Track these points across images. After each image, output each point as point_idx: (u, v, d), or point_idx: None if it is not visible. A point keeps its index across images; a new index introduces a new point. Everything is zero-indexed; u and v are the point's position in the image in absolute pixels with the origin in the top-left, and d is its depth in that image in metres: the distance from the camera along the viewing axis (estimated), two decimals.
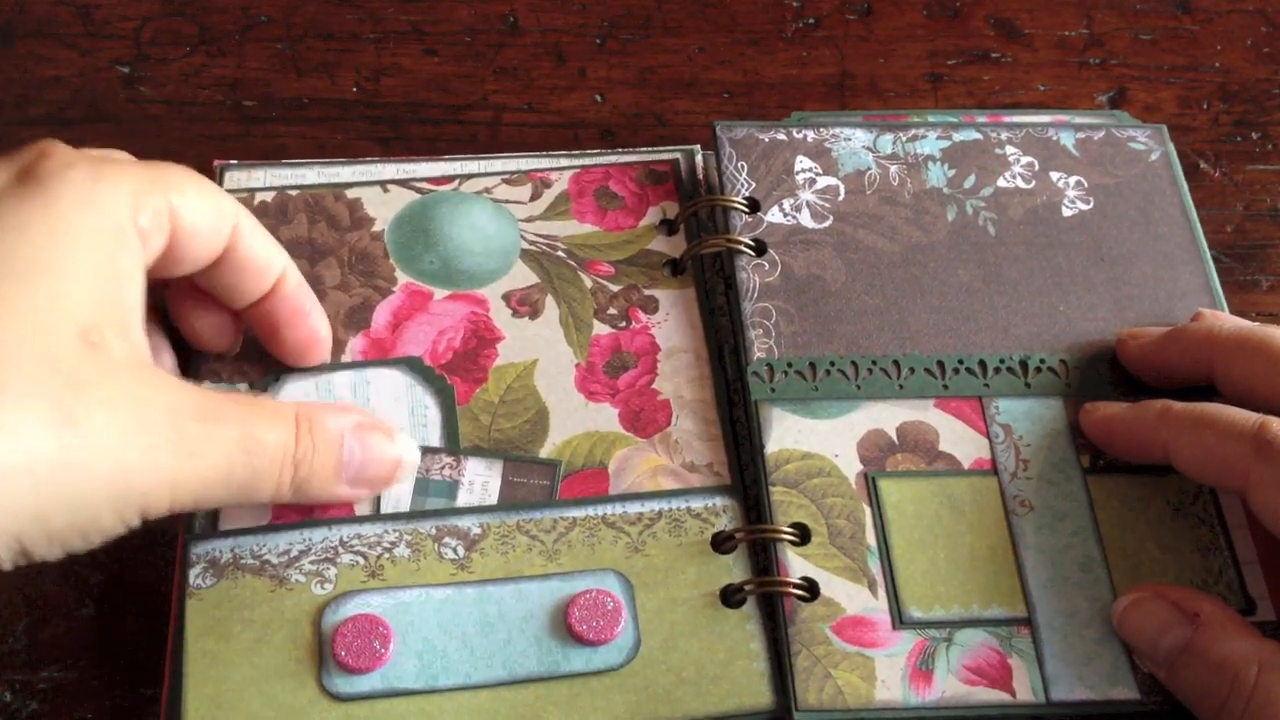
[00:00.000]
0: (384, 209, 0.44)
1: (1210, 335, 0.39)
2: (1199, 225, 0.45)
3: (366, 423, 0.37)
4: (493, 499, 0.39)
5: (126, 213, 0.33)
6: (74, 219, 0.31)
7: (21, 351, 0.29)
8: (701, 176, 0.46)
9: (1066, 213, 0.44)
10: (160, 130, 0.48)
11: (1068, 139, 0.46)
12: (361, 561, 0.38)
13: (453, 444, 0.40)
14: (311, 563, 0.37)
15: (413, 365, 0.41)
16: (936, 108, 0.51)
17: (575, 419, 0.41)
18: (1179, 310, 0.42)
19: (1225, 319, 0.40)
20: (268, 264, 0.38)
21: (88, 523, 0.30)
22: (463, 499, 0.39)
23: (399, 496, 0.39)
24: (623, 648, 0.37)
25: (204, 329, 0.39)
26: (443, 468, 0.40)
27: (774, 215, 0.44)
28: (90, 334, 0.30)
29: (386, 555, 0.38)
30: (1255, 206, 0.49)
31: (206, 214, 0.35)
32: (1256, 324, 0.39)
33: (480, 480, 0.39)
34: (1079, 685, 0.36)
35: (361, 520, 0.38)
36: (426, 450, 0.40)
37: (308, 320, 0.39)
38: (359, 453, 0.36)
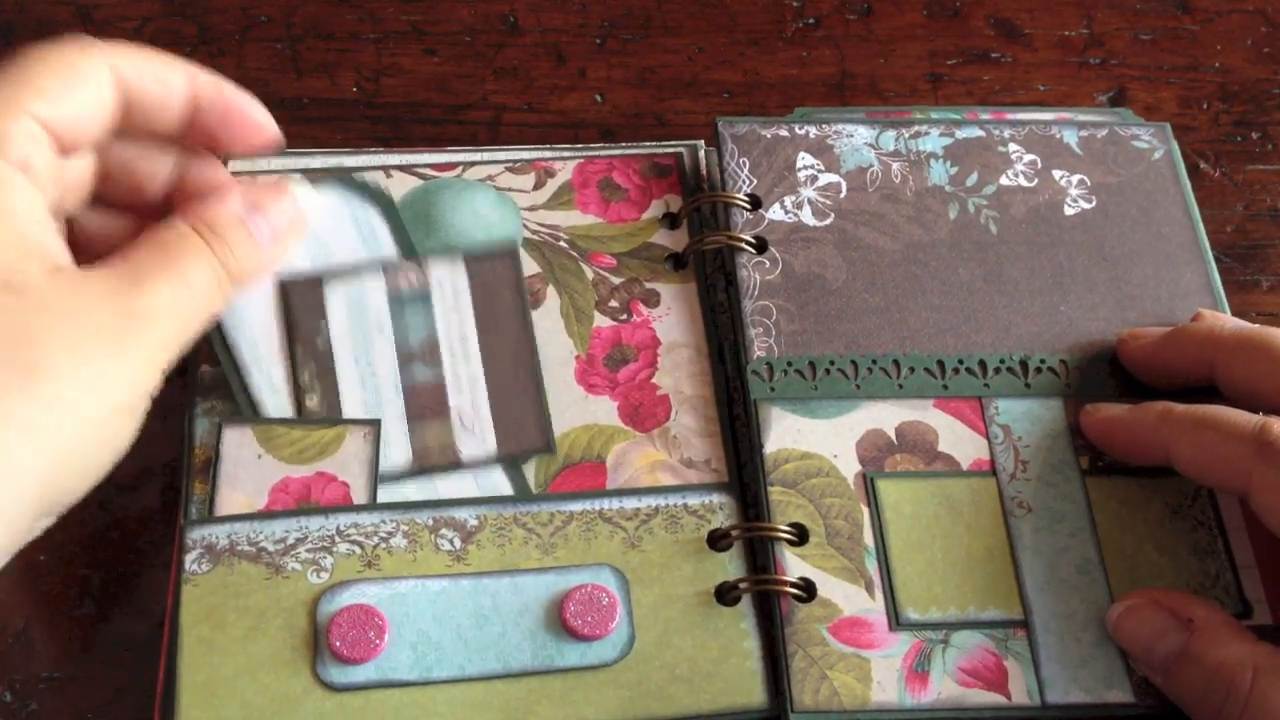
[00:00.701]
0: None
1: (1211, 335, 0.39)
2: (1201, 225, 0.45)
3: (253, 195, 0.37)
4: (466, 302, 0.40)
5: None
6: None
7: None
8: (705, 172, 0.46)
9: (1069, 211, 0.44)
10: None
11: (1071, 137, 0.46)
12: (358, 551, 0.38)
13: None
14: (308, 551, 0.37)
15: (345, 181, 0.43)
16: (937, 108, 0.50)
17: (574, 411, 0.41)
18: (1180, 310, 0.42)
19: (1226, 320, 0.40)
20: (166, 88, 0.35)
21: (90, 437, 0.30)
22: (438, 309, 0.40)
23: (379, 319, 0.40)
24: (617, 643, 0.37)
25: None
26: (409, 278, 0.40)
27: (775, 212, 0.43)
28: (8, 280, 0.30)
29: (383, 545, 0.38)
30: (1255, 206, 0.49)
31: (84, 104, 0.34)
32: (1258, 325, 0.39)
33: (448, 283, 0.40)
34: (1074, 688, 0.36)
35: (359, 509, 0.38)
36: (387, 262, 0.41)
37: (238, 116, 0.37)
38: (264, 224, 0.36)
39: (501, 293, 0.42)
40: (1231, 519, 0.39)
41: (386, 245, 0.40)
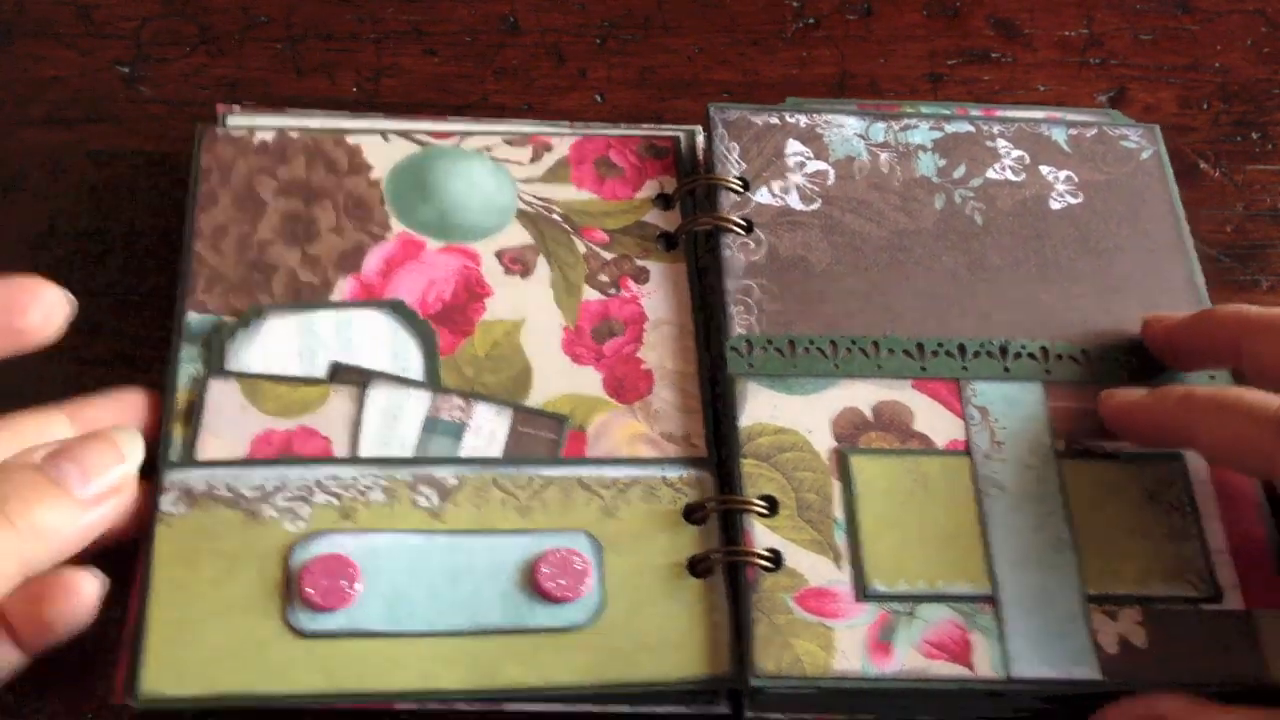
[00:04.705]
0: (383, 158, 0.45)
1: (1240, 315, 0.38)
2: (1186, 224, 0.45)
3: (60, 448, 0.33)
4: (498, 447, 0.39)
5: None
6: None
7: None
8: (701, 157, 0.46)
9: (1055, 205, 0.44)
10: (161, 130, 0.48)
11: (1060, 135, 0.46)
12: (335, 502, 0.38)
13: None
14: (286, 499, 0.37)
15: (397, 309, 0.41)
16: None
17: (559, 380, 0.41)
18: (1163, 304, 0.42)
19: (1252, 306, 0.40)
20: None
21: None
22: (468, 443, 0.39)
23: (405, 435, 0.39)
24: (587, 608, 0.37)
25: None
26: (453, 409, 0.40)
27: (763, 196, 0.44)
28: None
29: (361, 498, 0.38)
30: (1255, 206, 0.49)
31: None
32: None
33: (488, 427, 0.40)
34: (1040, 663, 0.36)
35: (340, 462, 0.38)
36: (438, 391, 0.40)
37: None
38: (72, 469, 0.33)
39: (537, 450, 0.40)
40: (1206, 505, 0.39)
41: (413, 375, 0.40)
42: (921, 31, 0.53)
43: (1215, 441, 0.36)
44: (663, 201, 0.45)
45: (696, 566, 0.38)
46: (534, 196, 0.44)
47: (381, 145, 0.45)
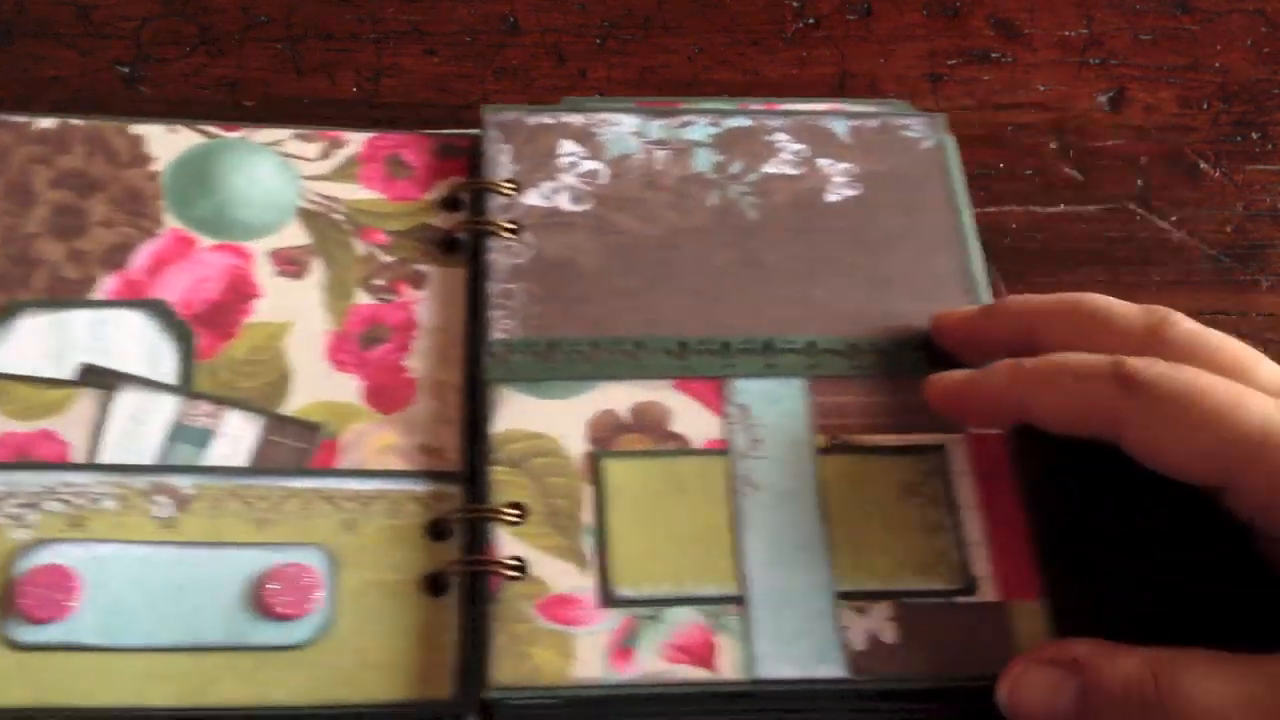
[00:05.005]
0: (167, 150, 0.43)
1: (1030, 304, 0.38)
2: (968, 212, 0.44)
3: None
4: (244, 456, 0.38)
5: None
6: None
7: None
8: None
9: (831, 199, 0.44)
10: None
11: (840, 127, 0.46)
12: (65, 509, 0.37)
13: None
14: (15, 506, 0.37)
15: (156, 309, 0.40)
16: (937, 108, 0.51)
17: (317, 387, 0.39)
18: (935, 294, 0.42)
19: (1039, 295, 0.40)
20: None
21: None
22: (214, 451, 0.38)
23: (148, 441, 0.38)
24: (313, 625, 0.36)
25: None
26: (202, 415, 0.39)
27: (532, 198, 0.43)
28: None
29: (92, 506, 0.37)
30: (1255, 206, 0.49)
31: None
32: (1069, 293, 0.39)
33: (237, 435, 0.39)
34: (785, 663, 0.35)
35: (75, 468, 0.37)
36: (189, 396, 0.39)
37: None
38: None
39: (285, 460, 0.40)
40: (965, 496, 0.38)
41: (167, 378, 0.39)
42: (921, 31, 0.53)
43: (1054, 408, 0.36)
44: (451, 204, 0.44)
45: (434, 582, 0.37)
46: (318, 195, 0.43)
47: (167, 137, 0.43)
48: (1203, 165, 0.50)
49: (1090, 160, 0.50)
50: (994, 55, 0.53)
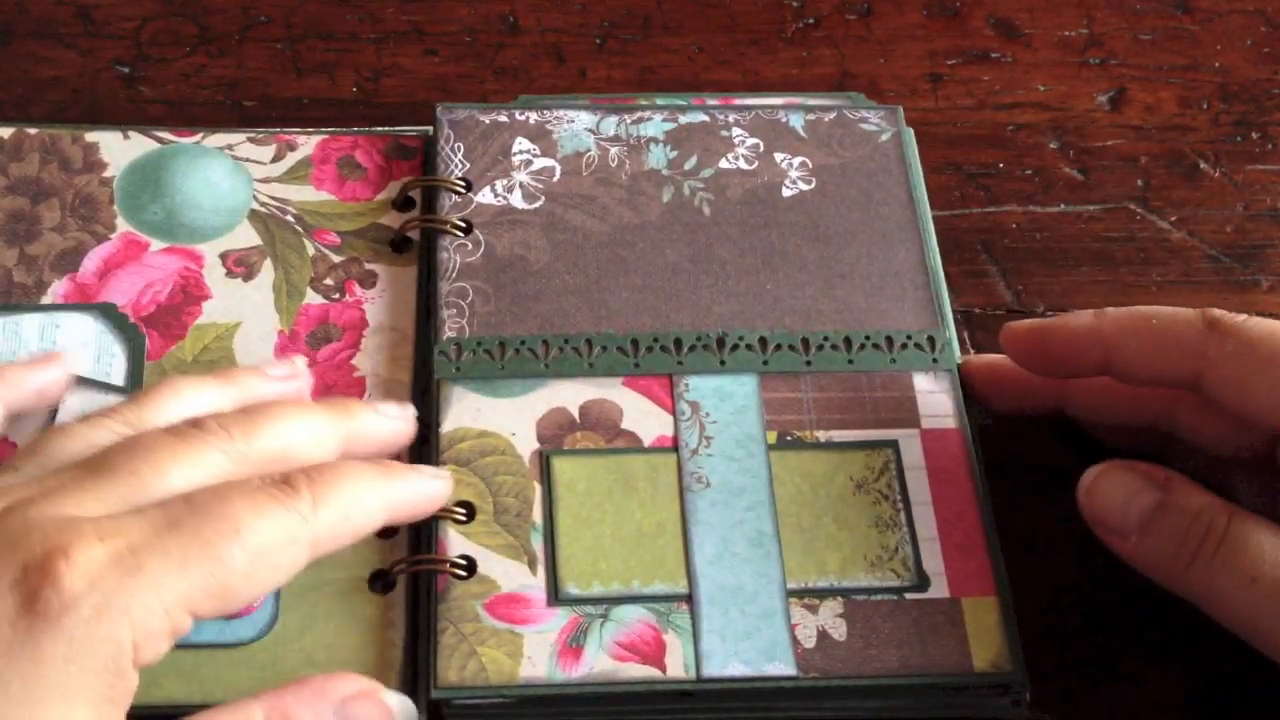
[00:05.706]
0: (120, 156, 0.44)
1: (1097, 318, 0.38)
2: (926, 205, 0.44)
3: (352, 692, 0.32)
4: None
5: (127, 655, 0.29)
6: (59, 679, 0.28)
7: None
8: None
9: (786, 193, 0.44)
10: None
11: (797, 121, 0.46)
12: None
13: None
14: None
15: (106, 312, 0.41)
16: (936, 107, 0.51)
17: None
18: (890, 287, 0.42)
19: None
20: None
21: None
22: None
23: None
24: (257, 623, 0.36)
25: None
26: None
27: (484, 196, 0.43)
28: None
29: None
30: (1255, 206, 0.49)
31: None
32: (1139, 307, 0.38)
33: None
34: (733, 660, 0.35)
35: None
36: (113, 391, 0.39)
37: None
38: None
39: None
40: (917, 493, 0.38)
41: (117, 380, 0.40)
42: (921, 31, 0.53)
43: (1139, 349, 0.36)
44: (403, 204, 0.44)
45: (378, 580, 0.37)
46: (270, 197, 0.44)
47: (121, 143, 0.44)
48: (1203, 165, 0.50)
49: (1090, 160, 0.50)
50: (994, 55, 0.53)
